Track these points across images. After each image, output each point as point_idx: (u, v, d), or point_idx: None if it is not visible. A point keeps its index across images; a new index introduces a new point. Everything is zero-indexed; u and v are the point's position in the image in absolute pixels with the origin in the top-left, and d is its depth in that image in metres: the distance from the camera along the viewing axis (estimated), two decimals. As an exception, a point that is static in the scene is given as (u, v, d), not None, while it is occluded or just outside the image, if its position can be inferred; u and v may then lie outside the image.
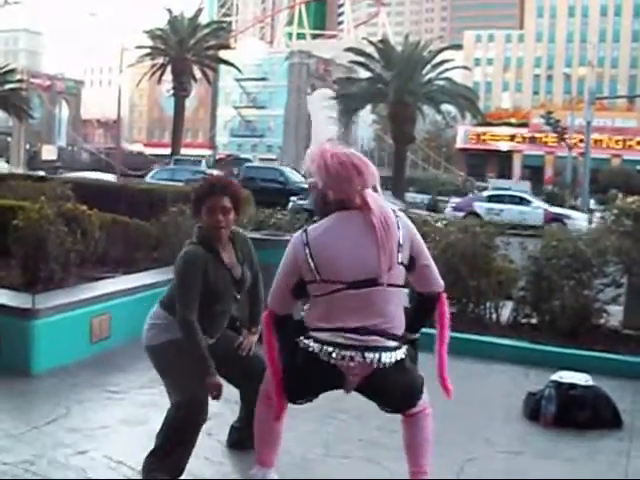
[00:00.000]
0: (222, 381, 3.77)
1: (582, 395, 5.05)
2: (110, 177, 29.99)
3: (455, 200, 31.50)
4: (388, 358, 3.33)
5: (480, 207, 28.17)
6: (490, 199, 29.29)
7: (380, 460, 4.29)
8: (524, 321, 7.40)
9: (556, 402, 5.03)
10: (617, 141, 71.24)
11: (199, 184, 3.92)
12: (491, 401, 5.58)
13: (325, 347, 3.31)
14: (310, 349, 3.35)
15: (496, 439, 4.77)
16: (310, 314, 3.43)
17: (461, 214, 25.92)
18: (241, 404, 4.29)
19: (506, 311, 7.53)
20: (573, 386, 5.10)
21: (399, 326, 3.40)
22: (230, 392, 4.25)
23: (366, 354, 3.29)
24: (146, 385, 5.35)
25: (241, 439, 4.24)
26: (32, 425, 4.56)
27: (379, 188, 3.46)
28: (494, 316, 7.48)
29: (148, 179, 30.26)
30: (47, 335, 5.71)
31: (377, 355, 3.30)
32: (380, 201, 3.41)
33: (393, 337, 3.36)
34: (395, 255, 3.31)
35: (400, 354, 3.38)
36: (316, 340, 3.34)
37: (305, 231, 3.43)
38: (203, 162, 45.17)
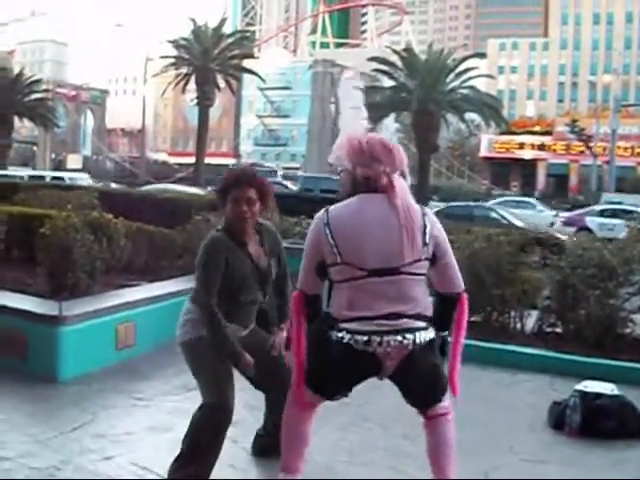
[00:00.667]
0: (248, 387, 3.78)
1: (608, 405, 5.01)
2: (194, 190, 25.96)
3: (565, 215, 29.46)
4: (422, 337, 3.35)
5: (592, 222, 26.41)
6: (603, 214, 27.38)
7: (405, 469, 4.28)
8: (549, 330, 7.35)
9: (581, 411, 4.99)
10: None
11: (224, 176, 3.93)
12: (516, 410, 5.54)
13: (359, 337, 3.31)
14: (344, 341, 3.34)
15: (520, 448, 4.74)
16: (336, 303, 3.42)
17: (572, 229, 24.15)
18: (265, 411, 4.29)
19: (531, 320, 7.49)
20: (598, 395, 5.06)
21: (428, 307, 3.42)
22: (256, 399, 4.28)
23: (402, 336, 3.30)
24: (171, 392, 5.40)
25: (266, 447, 4.23)
26: (59, 431, 4.61)
27: (407, 174, 3.47)
28: (519, 325, 7.44)
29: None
30: (73, 342, 5.75)
31: (412, 336, 3.32)
32: (406, 188, 3.42)
33: (423, 318, 3.38)
34: (419, 245, 3.31)
35: (431, 333, 3.40)
36: (348, 331, 3.34)
37: (327, 210, 3.42)
38: (279, 173, 43.34)
